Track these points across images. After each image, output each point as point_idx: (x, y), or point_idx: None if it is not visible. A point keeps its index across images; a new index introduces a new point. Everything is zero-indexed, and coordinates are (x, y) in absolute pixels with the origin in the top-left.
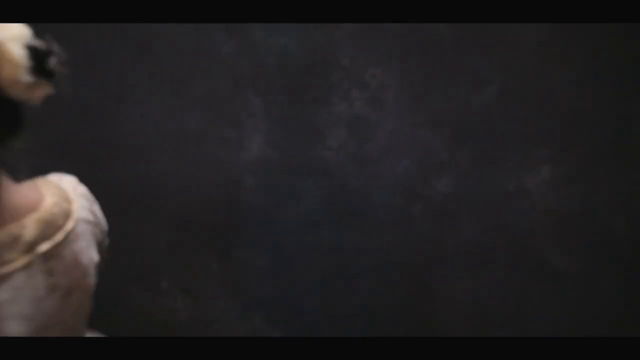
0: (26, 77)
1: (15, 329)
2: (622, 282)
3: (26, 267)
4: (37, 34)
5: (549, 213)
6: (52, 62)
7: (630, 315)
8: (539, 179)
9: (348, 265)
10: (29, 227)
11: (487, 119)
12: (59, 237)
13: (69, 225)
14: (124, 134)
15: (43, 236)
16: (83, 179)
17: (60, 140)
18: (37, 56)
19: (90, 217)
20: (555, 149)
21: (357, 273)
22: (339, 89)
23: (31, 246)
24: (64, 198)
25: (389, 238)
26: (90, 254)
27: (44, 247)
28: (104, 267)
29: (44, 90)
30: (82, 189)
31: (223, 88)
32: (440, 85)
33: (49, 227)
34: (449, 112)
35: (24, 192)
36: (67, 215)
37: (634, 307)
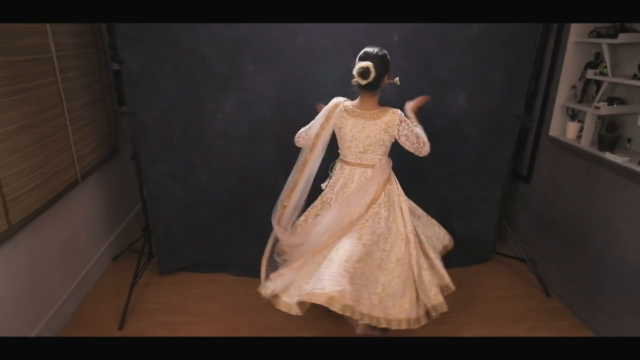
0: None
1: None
2: (496, 137)
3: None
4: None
5: (464, 110)
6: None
7: (496, 159)
8: (460, 98)
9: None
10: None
11: (444, 78)
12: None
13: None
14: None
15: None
16: None
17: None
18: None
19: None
20: (466, 87)
21: None
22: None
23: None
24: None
25: None
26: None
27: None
28: None
29: (386, 81)
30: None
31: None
32: (425, 65)
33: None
34: (429, 77)
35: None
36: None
37: (500, 153)
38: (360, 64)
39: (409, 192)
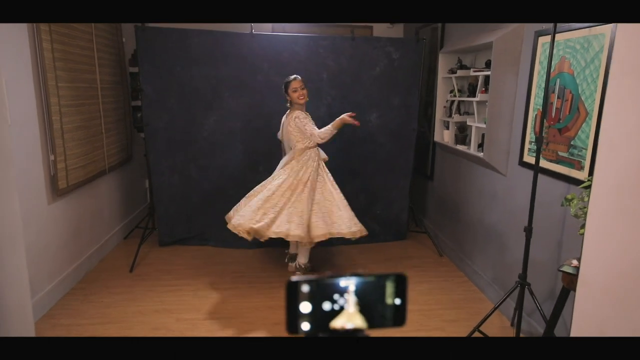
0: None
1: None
2: (401, 144)
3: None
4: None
5: (376, 125)
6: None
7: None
8: (374, 116)
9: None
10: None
11: (360, 102)
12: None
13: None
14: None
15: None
16: None
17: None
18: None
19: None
20: (376, 109)
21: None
22: (325, 91)
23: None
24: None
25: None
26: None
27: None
28: None
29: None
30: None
31: None
32: (346, 94)
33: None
34: (349, 102)
35: None
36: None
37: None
38: None
39: (344, 184)
